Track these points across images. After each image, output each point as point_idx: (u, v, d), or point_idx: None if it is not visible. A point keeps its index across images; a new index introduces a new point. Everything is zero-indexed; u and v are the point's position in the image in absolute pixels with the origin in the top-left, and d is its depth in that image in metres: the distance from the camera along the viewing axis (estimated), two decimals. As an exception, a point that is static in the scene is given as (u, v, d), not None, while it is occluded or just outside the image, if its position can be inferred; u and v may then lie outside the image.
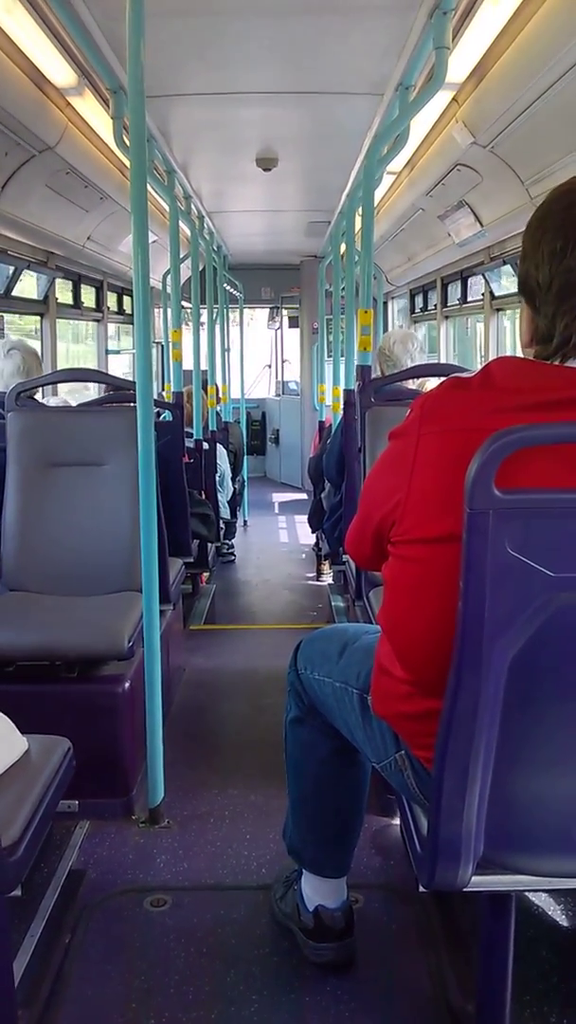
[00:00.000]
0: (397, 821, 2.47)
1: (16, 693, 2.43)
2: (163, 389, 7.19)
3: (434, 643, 1.30)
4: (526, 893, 2.04)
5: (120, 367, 7.51)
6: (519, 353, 1.40)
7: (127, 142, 3.57)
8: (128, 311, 7.50)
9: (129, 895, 2.18)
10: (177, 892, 2.19)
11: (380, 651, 1.53)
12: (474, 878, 1.35)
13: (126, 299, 7.36)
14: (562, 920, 2.03)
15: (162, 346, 8.08)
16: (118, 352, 7.23)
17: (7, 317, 5.43)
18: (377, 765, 1.63)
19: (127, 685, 2.53)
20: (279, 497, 9.45)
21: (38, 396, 3.63)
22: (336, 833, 1.91)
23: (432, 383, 3.54)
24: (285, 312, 10.23)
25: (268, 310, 10.52)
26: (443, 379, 1.40)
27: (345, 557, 3.78)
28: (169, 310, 4.89)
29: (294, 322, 10.11)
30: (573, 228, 1.23)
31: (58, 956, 1.94)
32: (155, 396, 2.72)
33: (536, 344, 1.33)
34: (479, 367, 1.40)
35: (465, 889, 1.36)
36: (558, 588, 1.12)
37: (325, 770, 1.88)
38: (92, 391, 6.30)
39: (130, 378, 4.19)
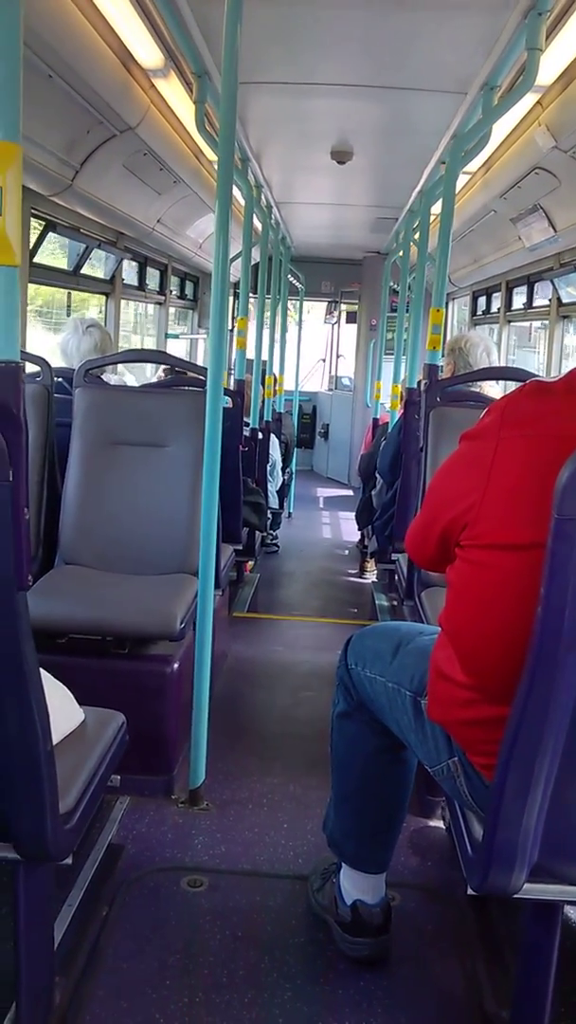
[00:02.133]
0: (437, 823, 2.47)
1: (68, 664, 2.45)
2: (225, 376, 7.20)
3: (501, 649, 1.29)
4: (568, 906, 2.02)
5: (176, 352, 7.54)
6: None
7: (208, 128, 3.62)
8: (189, 296, 7.53)
9: (166, 873, 2.20)
10: (214, 874, 2.21)
11: (439, 656, 1.52)
12: (526, 885, 1.35)
13: (187, 284, 7.39)
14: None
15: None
16: (176, 337, 7.26)
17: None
18: (429, 768, 1.63)
19: (176, 666, 2.55)
20: (324, 492, 9.44)
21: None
22: (378, 829, 1.91)
23: (488, 388, 3.51)
24: (344, 307, 10.19)
25: (326, 304, 10.49)
26: (502, 384, 1.38)
27: (396, 556, 3.77)
28: (234, 298, 4.91)
29: (351, 317, 10.08)
30: None
31: (95, 927, 1.96)
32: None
33: None
34: (548, 374, 1.38)
35: (516, 896, 1.35)
36: None
37: (371, 766, 1.88)
38: (148, 373, 6.36)
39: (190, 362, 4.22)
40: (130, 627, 2.51)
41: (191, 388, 3.39)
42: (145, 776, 2.53)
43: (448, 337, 4.84)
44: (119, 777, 2.45)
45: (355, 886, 1.93)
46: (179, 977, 1.85)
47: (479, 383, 3.42)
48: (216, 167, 2.75)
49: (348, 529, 7.06)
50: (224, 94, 2.27)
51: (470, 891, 1.42)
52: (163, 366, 4.68)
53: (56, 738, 1.59)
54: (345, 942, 1.91)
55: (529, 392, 1.33)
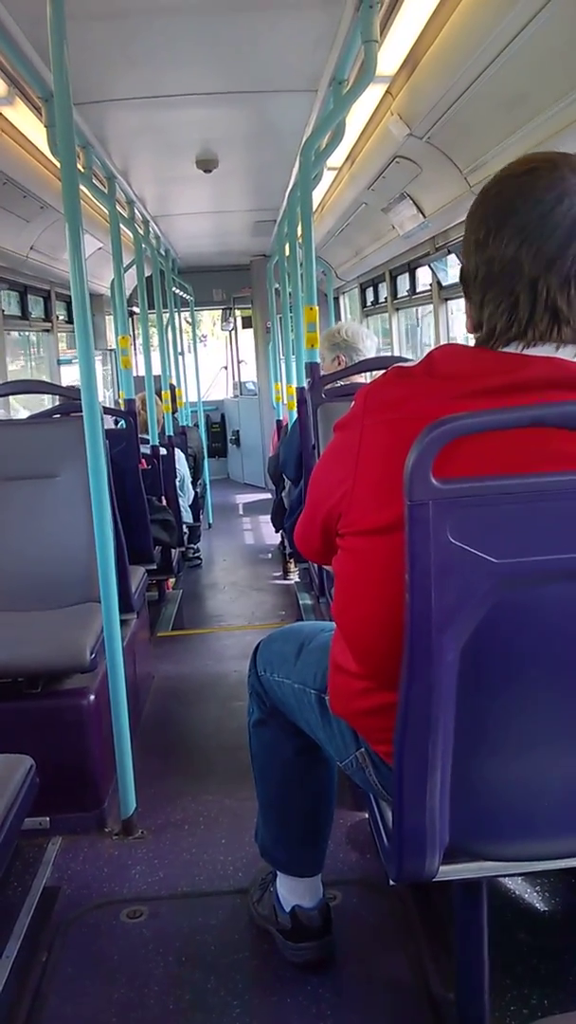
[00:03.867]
0: (370, 815, 2.47)
1: (-20, 712, 2.40)
2: (118, 396, 7.14)
3: (386, 635, 1.29)
4: (499, 879, 2.05)
5: (73, 377, 7.43)
6: (471, 341, 1.40)
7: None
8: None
9: (105, 908, 2.16)
10: (153, 902, 2.17)
11: (334, 648, 1.52)
12: (442, 868, 1.35)
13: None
14: (536, 903, 2.04)
15: (112, 353, 8.03)
16: (69, 362, 7.16)
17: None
18: (340, 763, 1.63)
19: (92, 698, 2.51)
20: (243, 498, 9.44)
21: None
22: (306, 832, 1.90)
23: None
24: (238, 313, 10.20)
25: (221, 311, 10.49)
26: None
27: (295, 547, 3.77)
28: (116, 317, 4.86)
29: (247, 322, 10.09)
30: (494, 218, 1.25)
31: (35, 975, 1.91)
32: (110, 404, 2.70)
33: (474, 331, 1.34)
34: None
35: (434, 879, 1.36)
36: (502, 574, 1.12)
37: (291, 770, 1.88)
38: (47, 403, 6.26)
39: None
40: (40, 664, 2.46)
41: (80, 414, 3.34)
42: (75, 813, 2.49)
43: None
44: (48, 819, 2.42)
45: (292, 892, 1.92)
46: (125, 1012, 1.81)
47: (372, 372, 3.46)
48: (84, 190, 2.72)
49: (270, 532, 7.05)
50: (59, 115, 2.23)
51: (391, 881, 1.42)
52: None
53: (-47, 793, 1.55)
54: (288, 949, 1.91)
55: (390, 377, 1.34)
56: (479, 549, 1.11)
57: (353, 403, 1.38)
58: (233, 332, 10.60)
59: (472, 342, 1.37)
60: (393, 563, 1.22)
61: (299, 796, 1.89)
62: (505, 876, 2.03)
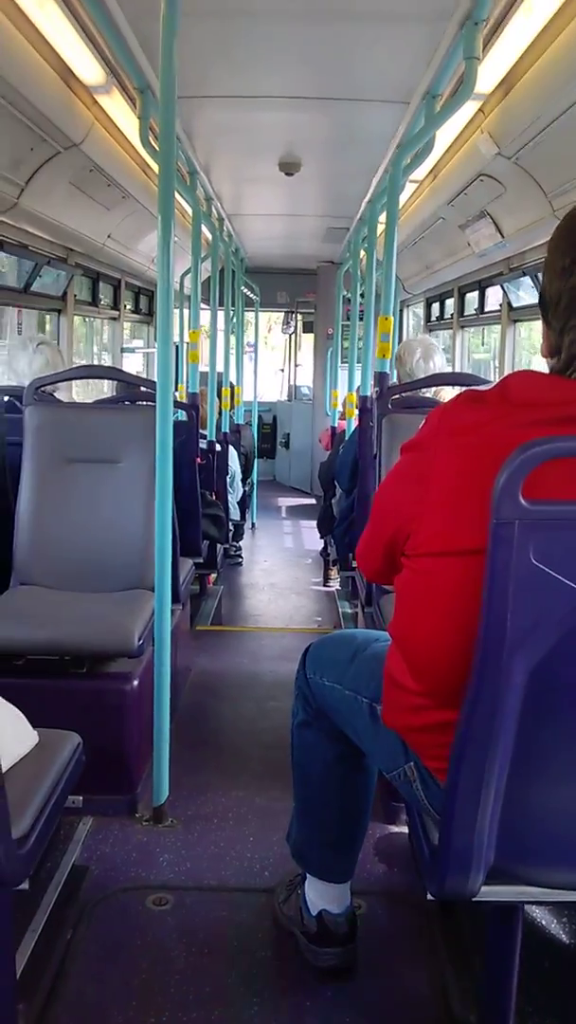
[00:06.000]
0: (401, 828, 2.47)
1: (25, 686, 2.43)
2: (176, 389, 7.20)
3: (449, 656, 1.30)
4: (529, 905, 2.04)
5: (132, 366, 7.52)
6: (535, 363, 1.40)
7: (152, 142, 3.61)
8: (144, 310, 7.52)
9: (131, 893, 2.18)
10: (179, 891, 2.19)
11: (390, 663, 1.52)
12: (483, 888, 1.35)
13: (142, 298, 7.37)
14: (564, 933, 2.02)
15: (178, 347, 8.11)
16: (132, 351, 7.24)
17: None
18: (387, 774, 1.63)
19: (136, 683, 2.53)
20: (286, 501, 9.46)
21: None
22: (341, 838, 1.91)
23: (447, 392, 3.54)
24: (300, 317, 10.24)
25: (283, 314, 10.53)
26: (460, 389, 1.40)
27: (355, 564, 3.77)
28: (187, 311, 4.91)
29: (308, 327, 10.12)
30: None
31: (59, 952, 1.93)
32: (171, 396, 2.73)
33: (551, 357, 1.34)
34: (495, 378, 1.40)
35: (474, 899, 1.36)
36: (580, 601, 1.12)
37: (332, 774, 1.88)
38: (105, 389, 6.34)
39: (143, 377, 4.21)
40: (88, 645, 2.49)
41: (144, 403, 3.38)
42: (108, 796, 2.51)
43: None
44: (81, 798, 2.45)
45: (320, 896, 1.92)
46: (145, 997, 1.83)
47: (436, 388, 3.46)
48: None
49: (311, 537, 7.06)
50: (163, 109, 2.27)
51: (430, 896, 1.42)
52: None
53: (7, 762, 1.58)
54: (311, 953, 1.91)
55: (463, 401, 1.35)
56: (561, 573, 1.11)
57: (424, 424, 1.38)
58: (292, 336, 10.64)
59: (546, 368, 1.37)
60: (463, 586, 1.22)
61: (337, 801, 1.89)
62: (546, 903, 2.02)
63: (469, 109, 3.48)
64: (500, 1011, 1.53)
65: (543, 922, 2.05)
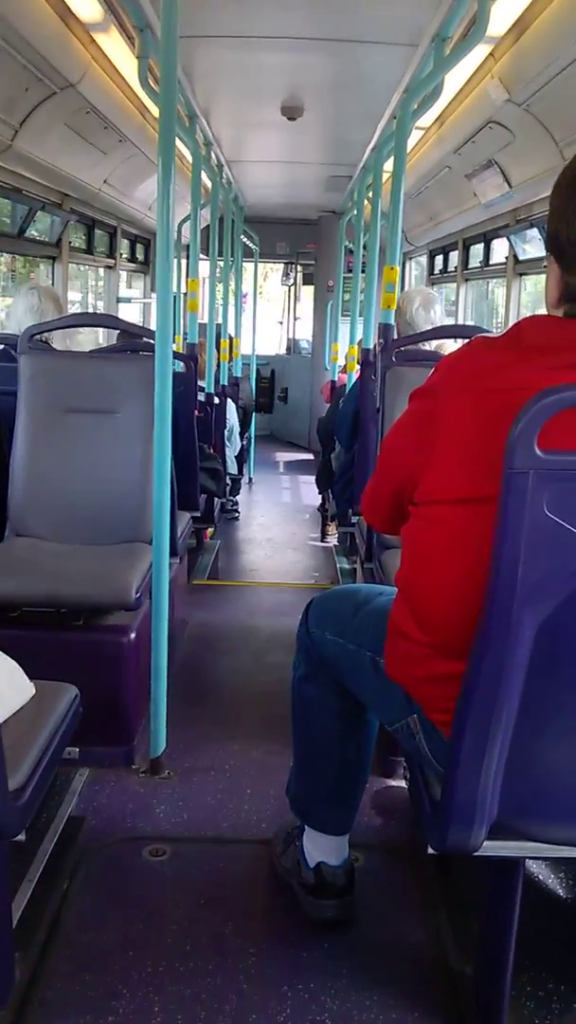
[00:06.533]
0: (399, 782, 2.47)
1: (22, 638, 2.41)
2: (174, 340, 7.10)
3: (457, 606, 1.28)
4: (528, 860, 2.04)
5: (128, 317, 7.41)
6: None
7: (152, 84, 3.50)
8: (140, 259, 7.39)
9: (128, 844, 2.18)
10: (176, 843, 2.19)
11: (396, 614, 1.50)
12: (485, 843, 1.34)
13: (138, 246, 7.24)
14: (562, 889, 2.03)
15: (176, 297, 7.98)
16: (129, 300, 7.13)
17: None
18: (389, 728, 1.62)
19: (133, 636, 2.51)
20: (284, 456, 9.41)
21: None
22: (340, 791, 1.90)
23: (449, 346, 3.48)
24: (300, 268, 10.07)
25: (282, 265, 10.35)
26: (465, 341, 1.36)
27: (355, 519, 3.75)
28: (185, 261, 4.81)
29: (308, 279, 9.96)
30: None
31: (55, 901, 1.94)
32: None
33: (564, 303, 1.29)
34: (499, 331, 1.36)
35: (476, 853, 1.35)
36: (595, 554, 1.09)
37: (332, 728, 1.87)
38: (101, 340, 6.24)
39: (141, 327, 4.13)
40: (85, 598, 2.46)
41: (142, 353, 3.32)
42: (105, 747, 2.50)
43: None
44: (77, 749, 2.44)
45: (318, 848, 1.92)
46: (142, 947, 1.83)
47: (439, 341, 3.39)
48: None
49: (309, 493, 7.03)
50: (164, 48, 2.18)
51: (431, 850, 1.41)
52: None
53: (4, 714, 1.56)
54: (309, 904, 1.91)
55: (474, 347, 1.31)
56: (574, 525, 1.07)
57: (435, 370, 1.35)
58: (292, 288, 10.48)
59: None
60: (473, 534, 1.19)
61: (337, 755, 1.88)
62: (545, 858, 2.02)
63: (480, 53, 3.38)
64: (498, 964, 1.54)
65: (540, 876, 2.06)
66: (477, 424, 1.23)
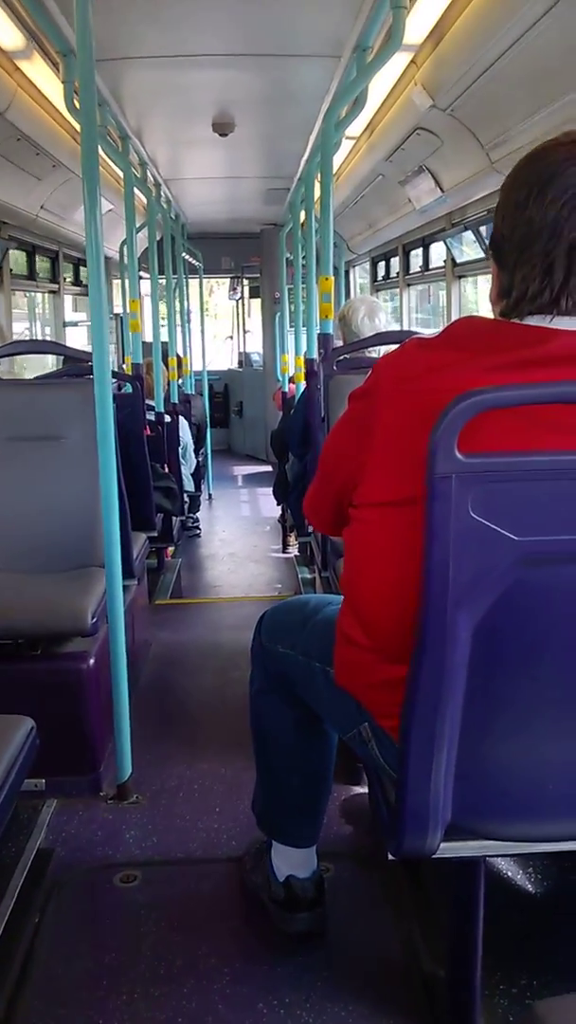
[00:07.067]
0: (364, 789, 2.47)
1: (-22, 672, 2.39)
2: (123, 361, 7.09)
3: (397, 608, 1.28)
4: (494, 859, 2.05)
5: (79, 340, 7.39)
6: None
7: (78, 107, 3.50)
8: (85, 282, 7.36)
9: (98, 872, 2.16)
10: (147, 867, 2.18)
11: (342, 620, 1.51)
12: (442, 845, 1.35)
13: (83, 270, 7.22)
14: (530, 885, 2.05)
15: (120, 317, 7.95)
16: (75, 324, 7.11)
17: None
18: (343, 736, 1.63)
19: (91, 662, 2.50)
20: (243, 469, 9.41)
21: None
22: (304, 803, 1.90)
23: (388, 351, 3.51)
24: (246, 282, 10.11)
25: (229, 280, 10.39)
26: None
27: (311, 528, 3.76)
28: (127, 280, 4.81)
29: (255, 292, 10.00)
30: (538, 181, 1.22)
31: (27, 936, 1.92)
32: (115, 368, 2.68)
33: (500, 300, 1.31)
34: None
35: (434, 856, 1.35)
36: (522, 552, 1.11)
37: (291, 740, 1.87)
38: (50, 365, 6.21)
39: (89, 350, 4.11)
40: (40, 627, 2.45)
41: (87, 377, 3.31)
42: (70, 776, 2.49)
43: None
44: (44, 781, 2.42)
45: (286, 862, 1.92)
46: (116, 975, 1.82)
47: (379, 347, 3.42)
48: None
49: (268, 505, 7.04)
50: (82, 71, 2.18)
51: (391, 856, 1.41)
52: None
53: (-46, 751, 1.54)
54: (281, 919, 1.90)
55: (410, 348, 1.33)
56: (501, 526, 1.09)
57: (370, 373, 1.36)
58: (240, 302, 10.51)
59: (492, 315, 1.35)
60: (408, 536, 1.20)
61: (298, 766, 1.88)
62: (503, 856, 2.03)
63: (401, 61, 3.43)
64: (468, 964, 1.55)
65: (508, 874, 2.07)
66: (409, 425, 1.24)
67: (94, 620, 2.45)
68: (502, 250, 1.29)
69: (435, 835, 1.32)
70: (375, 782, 1.54)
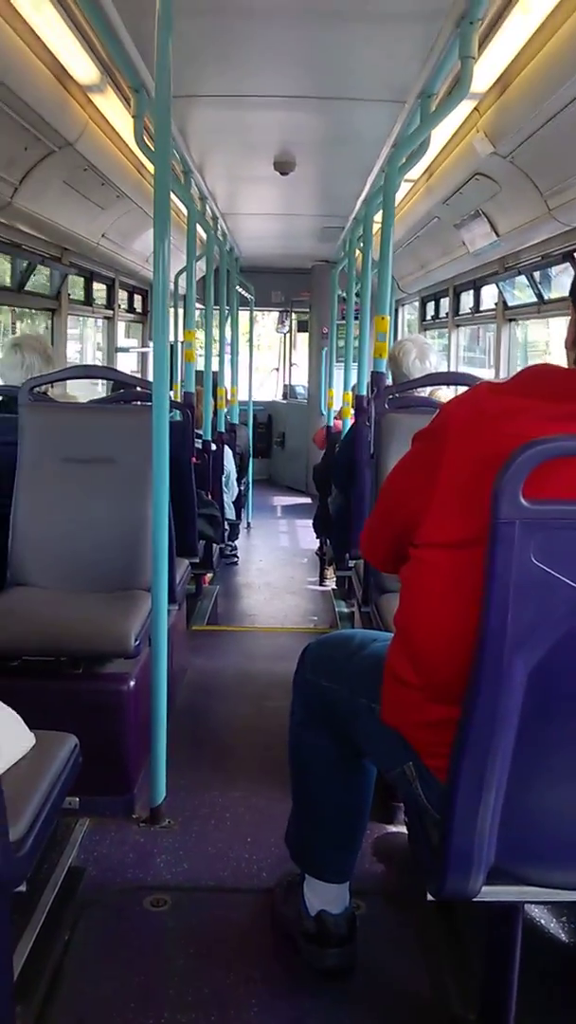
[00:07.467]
0: (400, 828, 2.46)
1: (21, 688, 2.43)
2: (171, 388, 7.18)
3: (452, 649, 1.29)
4: (530, 905, 2.03)
5: (126, 366, 7.51)
6: (531, 361, 1.40)
7: (147, 141, 3.61)
8: (138, 309, 7.50)
9: (129, 894, 2.17)
10: (177, 892, 2.18)
11: (392, 658, 1.52)
12: (484, 888, 1.35)
13: (136, 297, 7.35)
14: (563, 932, 2.02)
15: (173, 346, 8.08)
16: (127, 350, 7.23)
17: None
18: (386, 774, 1.63)
19: (132, 683, 2.52)
20: (282, 500, 9.45)
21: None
22: (340, 838, 1.90)
23: (443, 391, 3.54)
24: (295, 316, 10.22)
25: (278, 314, 10.51)
26: (457, 388, 1.40)
27: (352, 563, 3.77)
28: (182, 310, 4.90)
29: (303, 326, 10.11)
30: None
31: (56, 953, 1.93)
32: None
33: (574, 347, 1.33)
34: (498, 376, 1.40)
35: (475, 899, 1.35)
36: (581, 600, 1.12)
37: (330, 774, 1.87)
38: (99, 389, 6.32)
39: (137, 376, 4.20)
40: (84, 646, 2.48)
41: (140, 403, 3.37)
42: (105, 796, 2.50)
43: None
44: (78, 799, 2.44)
45: (319, 896, 1.91)
46: (143, 999, 1.82)
47: (432, 388, 3.45)
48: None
49: (307, 537, 7.06)
50: (158, 107, 2.26)
51: (430, 897, 1.41)
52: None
53: (4, 764, 1.57)
54: (310, 954, 1.90)
55: (479, 392, 1.35)
56: (562, 573, 1.11)
57: (438, 413, 1.39)
58: (288, 335, 10.62)
59: (564, 362, 1.37)
60: (468, 578, 1.21)
61: (336, 802, 1.88)
62: (541, 903, 2.01)
63: (464, 108, 3.48)
64: (501, 1010, 1.53)
65: (542, 921, 2.05)
66: (475, 469, 1.26)
67: (137, 643, 2.48)
68: None
69: (478, 878, 1.32)
70: (416, 822, 1.55)
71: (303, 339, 10.23)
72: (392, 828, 2.46)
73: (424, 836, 1.48)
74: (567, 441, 1.10)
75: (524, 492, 1.10)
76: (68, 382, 4.34)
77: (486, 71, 3.11)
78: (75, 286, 5.72)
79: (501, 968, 1.51)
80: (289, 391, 10.66)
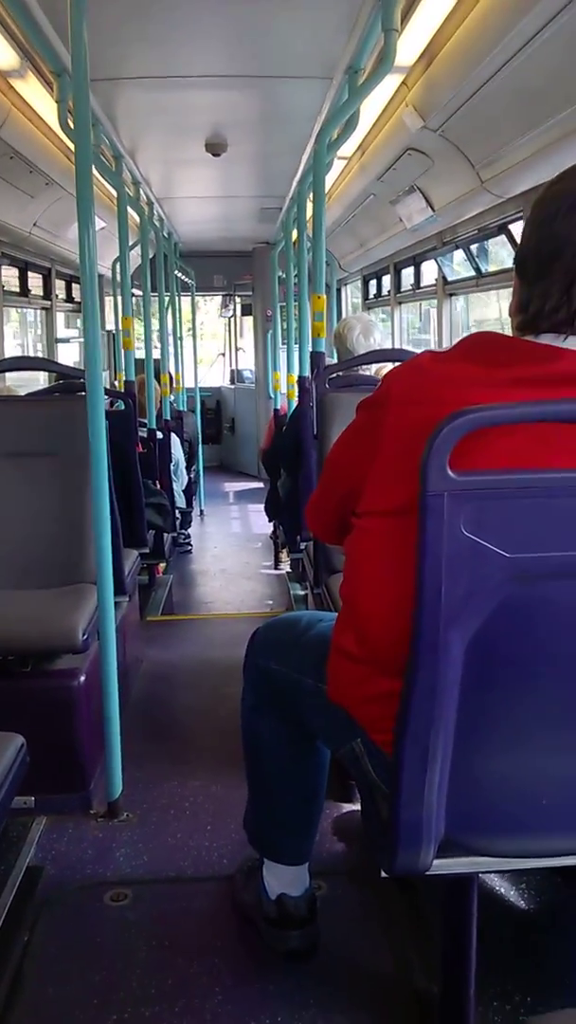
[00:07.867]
0: (357, 807, 2.47)
1: (-32, 689, 2.39)
2: (115, 378, 7.11)
3: (395, 619, 1.28)
4: (486, 875, 2.05)
5: (70, 356, 7.40)
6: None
7: (72, 126, 3.53)
8: (77, 299, 7.39)
9: (88, 890, 2.15)
10: (137, 886, 2.16)
11: (337, 632, 1.51)
12: (436, 861, 1.35)
13: (75, 287, 7.25)
14: (522, 900, 2.04)
15: (113, 335, 7.98)
16: (67, 341, 7.12)
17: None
18: (336, 753, 1.62)
19: (82, 679, 2.49)
20: (234, 486, 9.43)
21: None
22: (296, 821, 1.89)
23: (387, 368, 3.53)
24: (238, 300, 10.16)
25: (221, 298, 10.44)
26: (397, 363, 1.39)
27: (303, 545, 3.76)
28: (120, 298, 4.83)
29: (247, 310, 10.05)
30: (568, 199, 1.24)
31: (16, 955, 1.90)
32: (107, 385, 2.70)
33: (517, 314, 1.33)
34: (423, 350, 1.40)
35: (427, 873, 1.35)
36: (514, 569, 1.12)
37: (284, 757, 1.86)
38: (42, 381, 6.21)
39: (80, 367, 4.13)
40: (30, 643, 2.44)
41: (79, 394, 3.32)
42: (60, 794, 2.47)
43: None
44: (33, 798, 2.41)
45: (278, 880, 1.91)
46: (106, 995, 1.80)
47: (377, 364, 3.44)
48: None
49: (260, 521, 7.04)
50: (77, 90, 2.21)
51: (383, 873, 1.41)
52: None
53: (-55, 768, 1.54)
54: (273, 937, 1.89)
55: (422, 361, 1.34)
56: (492, 543, 1.10)
57: (381, 383, 1.37)
58: (232, 319, 10.56)
59: (507, 329, 1.36)
60: (408, 545, 1.20)
61: (291, 784, 1.88)
62: (497, 872, 2.03)
63: (392, 82, 3.47)
64: (461, 980, 1.54)
65: (501, 890, 2.07)
66: (412, 437, 1.24)
67: (85, 637, 2.44)
68: (526, 264, 1.31)
69: (428, 851, 1.31)
70: (367, 798, 1.54)
71: (248, 323, 10.17)
72: (349, 807, 2.47)
73: (375, 812, 1.47)
74: (493, 411, 1.09)
75: (457, 462, 1.09)
76: (6, 375, 4.25)
77: (411, 44, 3.09)
78: (10, 277, 5.60)
79: (459, 939, 1.51)
80: (236, 376, 10.60)
